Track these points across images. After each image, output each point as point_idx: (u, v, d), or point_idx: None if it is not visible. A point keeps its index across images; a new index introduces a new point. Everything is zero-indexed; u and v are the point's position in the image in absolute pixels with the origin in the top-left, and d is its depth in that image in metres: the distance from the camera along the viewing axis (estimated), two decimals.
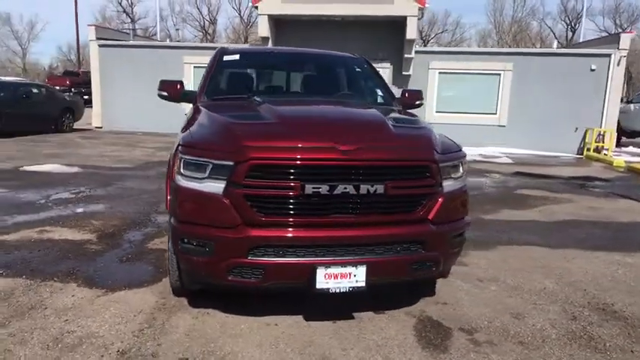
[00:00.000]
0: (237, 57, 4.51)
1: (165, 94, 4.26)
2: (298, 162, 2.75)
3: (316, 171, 2.77)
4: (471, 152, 13.14)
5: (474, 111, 15.15)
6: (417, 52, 14.89)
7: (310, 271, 2.82)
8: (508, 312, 3.49)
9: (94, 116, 16.73)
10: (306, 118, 3.34)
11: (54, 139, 13.53)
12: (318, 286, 2.84)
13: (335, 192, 2.76)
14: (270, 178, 2.75)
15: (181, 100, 4.26)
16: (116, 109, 16.21)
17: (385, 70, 15.25)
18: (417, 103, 4.62)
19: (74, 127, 15.85)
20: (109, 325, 3.09)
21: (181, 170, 2.94)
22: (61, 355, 2.71)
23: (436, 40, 55.15)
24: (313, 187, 2.74)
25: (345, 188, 2.77)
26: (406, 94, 4.65)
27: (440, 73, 15.14)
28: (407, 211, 2.97)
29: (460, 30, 56.81)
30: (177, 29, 48.08)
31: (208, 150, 2.88)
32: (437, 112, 15.22)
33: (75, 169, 8.75)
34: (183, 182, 2.93)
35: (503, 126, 15.13)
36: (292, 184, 2.73)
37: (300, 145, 2.80)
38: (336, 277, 2.85)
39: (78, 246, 4.56)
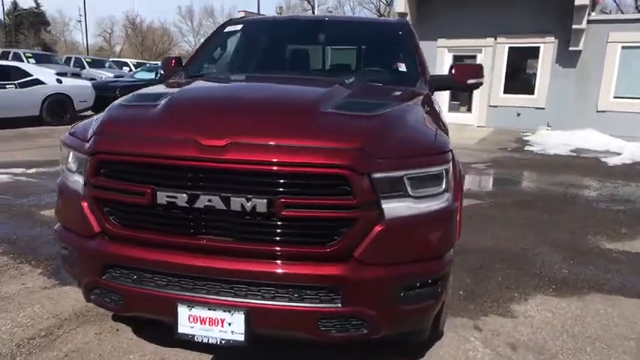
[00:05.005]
0: (238, 27, 3.81)
1: (162, 71, 3.88)
2: (147, 159, 2.00)
3: (169, 173, 1.98)
4: None
5: None
6: (590, 21, 12.00)
7: (172, 309, 2.07)
8: None
9: None
10: (197, 101, 2.49)
11: None
12: (181, 330, 2.07)
13: (196, 205, 1.95)
14: (119, 178, 2.07)
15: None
16: None
17: (547, 46, 12.74)
18: (470, 82, 3.37)
19: None
20: (12, 325, 2.80)
21: (61, 163, 2.45)
22: None
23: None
24: (167, 196, 1.97)
25: (210, 201, 1.93)
26: (453, 71, 3.44)
27: (623, 47, 11.99)
28: (312, 242, 1.97)
29: None
30: (330, 11, 48.24)
31: (76, 139, 2.31)
32: (615, 97, 12.18)
33: None
34: (60, 177, 2.43)
35: None
36: (143, 189, 2.00)
37: (153, 137, 2.04)
38: (203, 321, 2.04)
39: None
